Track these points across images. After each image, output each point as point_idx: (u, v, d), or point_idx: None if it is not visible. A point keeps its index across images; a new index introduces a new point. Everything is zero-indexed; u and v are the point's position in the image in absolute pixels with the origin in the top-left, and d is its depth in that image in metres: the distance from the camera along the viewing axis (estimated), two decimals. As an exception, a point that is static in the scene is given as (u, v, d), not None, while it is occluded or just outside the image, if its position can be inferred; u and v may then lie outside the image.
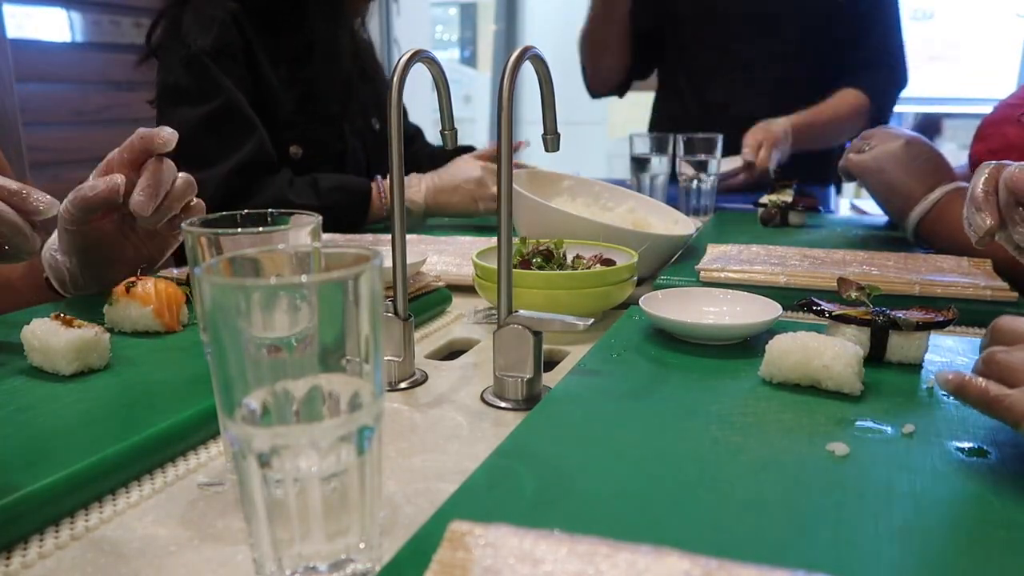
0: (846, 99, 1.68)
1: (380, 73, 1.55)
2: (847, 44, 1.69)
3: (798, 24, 1.68)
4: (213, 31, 1.23)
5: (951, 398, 0.55)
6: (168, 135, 0.72)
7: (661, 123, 1.86)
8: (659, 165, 1.43)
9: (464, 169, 1.30)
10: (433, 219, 1.33)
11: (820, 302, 0.64)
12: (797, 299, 0.66)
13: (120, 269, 0.78)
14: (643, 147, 1.44)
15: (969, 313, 0.78)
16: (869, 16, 1.69)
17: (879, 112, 1.69)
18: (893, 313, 0.61)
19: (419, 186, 1.28)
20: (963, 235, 0.95)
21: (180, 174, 0.74)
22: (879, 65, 1.71)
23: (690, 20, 1.76)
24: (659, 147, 1.42)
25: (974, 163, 1.24)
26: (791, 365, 0.56)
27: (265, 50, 1.29)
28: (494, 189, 1.26)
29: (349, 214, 1.26)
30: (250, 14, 1.28)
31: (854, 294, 0.66)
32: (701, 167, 1.37)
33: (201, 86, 1.21)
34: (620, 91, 1.90)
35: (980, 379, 0.45)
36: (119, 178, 0.71)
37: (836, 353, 0.55)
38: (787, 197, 1.27)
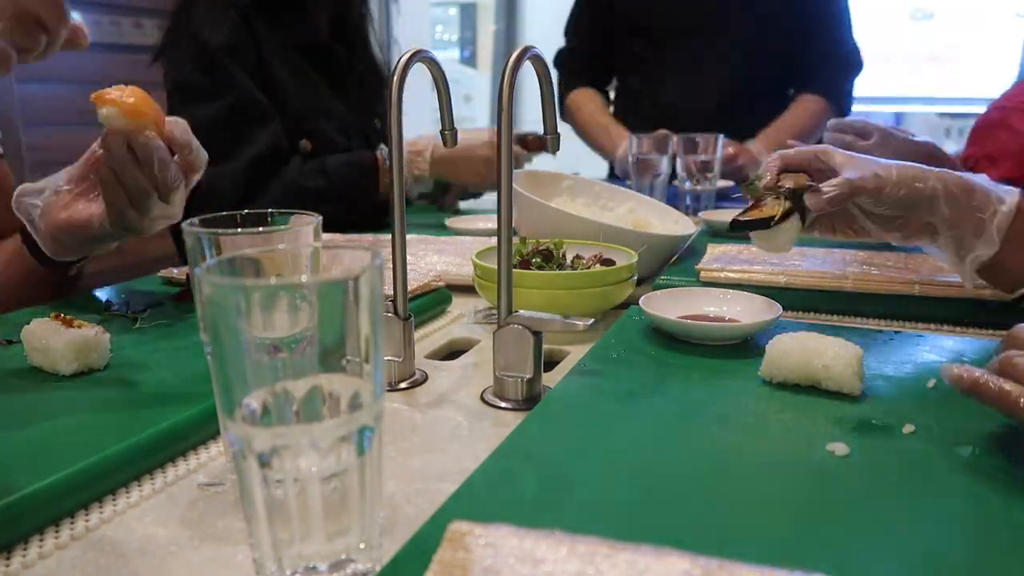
0: (806, 107, 1.77)
1: (380, 73, 1.56)
2: (797, 38, 1.76)
3: (746, 25, 1.75)
4: (225, 29, 1.25)
5: (950, 398, 0.55)
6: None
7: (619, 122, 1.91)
8: (659, 165, 1.43)
9: (476, 137, 1.34)
10: (434, 215, 1.33)
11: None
12: (797, 299, 0.66)
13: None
14: (643, 147, 1.43)
15: (968, 313, 0.78)
16: (818, 9, 1.77)
17: (839, 111, 1.77)
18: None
19: (426, 153, 1.34)
20: None
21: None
22: (830, 56, 1.79)
23: (639, 29, 1.83)
24: (659, 147, 1.42)
25: (968, 167, 1.24)
26: (791, 365, 0.56)
27: (274, 48, 1.31)
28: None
29: (360, 188, 1.30)
30: (259, 12, 1.30)
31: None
32: (702, 167, 1.37)
33: (215, 82, 1.23)
34: None
35: (996, 378, 0.44)
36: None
37: (836, 353, 0.55)
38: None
